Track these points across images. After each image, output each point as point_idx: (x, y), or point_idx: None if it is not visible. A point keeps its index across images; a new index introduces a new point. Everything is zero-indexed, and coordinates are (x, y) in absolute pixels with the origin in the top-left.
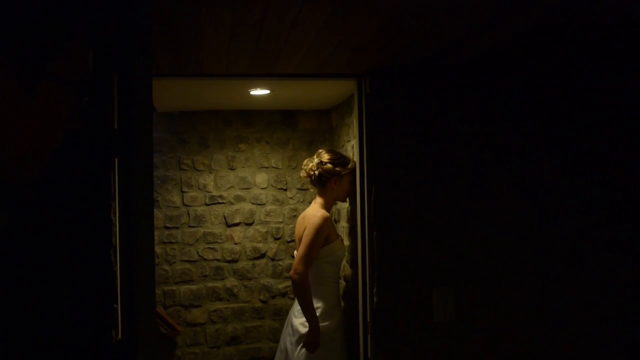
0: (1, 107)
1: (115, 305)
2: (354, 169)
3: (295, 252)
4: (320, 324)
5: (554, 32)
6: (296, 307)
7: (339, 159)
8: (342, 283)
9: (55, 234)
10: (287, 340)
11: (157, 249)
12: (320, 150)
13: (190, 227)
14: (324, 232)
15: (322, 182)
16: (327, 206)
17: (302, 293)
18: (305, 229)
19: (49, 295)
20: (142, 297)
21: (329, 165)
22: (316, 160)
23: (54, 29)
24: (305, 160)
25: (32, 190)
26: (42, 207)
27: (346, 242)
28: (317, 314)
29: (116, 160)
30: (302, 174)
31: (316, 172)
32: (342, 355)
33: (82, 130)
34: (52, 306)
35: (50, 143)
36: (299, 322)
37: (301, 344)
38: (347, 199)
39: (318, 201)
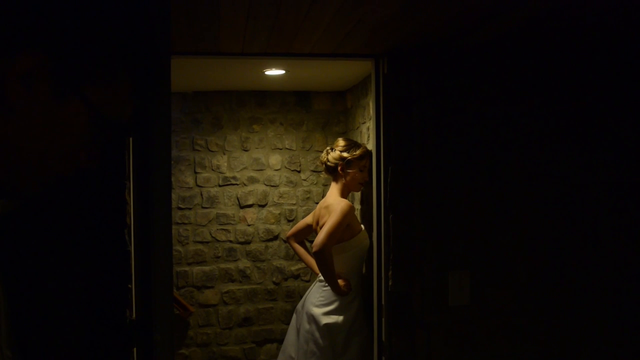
0: (31, 106)
1: (130, 285)
2: (364, 156)
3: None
4: (341, 315)
5: (574, 13)
6: (314, 296)
7: (346, 145)
8: None
9: (68, 212)
10: (301, 326)
11: None
12: (338, 139)
13: (203, 208)
14: (348, 218)
15: (329, 170)
16: (343, 196)
17: (330, 264)
18: (328, 216)
19: (62, 273)
20: (159, 277)
21: (337, 152)
22: (328, 148)
23: (100, 56)
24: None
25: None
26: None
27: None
28: (338, 305)
29: (130, 139)
30: (319, 162)
31: (325, 160)
32: (364, 343)
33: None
34: (65, 284)
35: (67, 161)
36: (320, 312)
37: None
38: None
39: (334, 191)
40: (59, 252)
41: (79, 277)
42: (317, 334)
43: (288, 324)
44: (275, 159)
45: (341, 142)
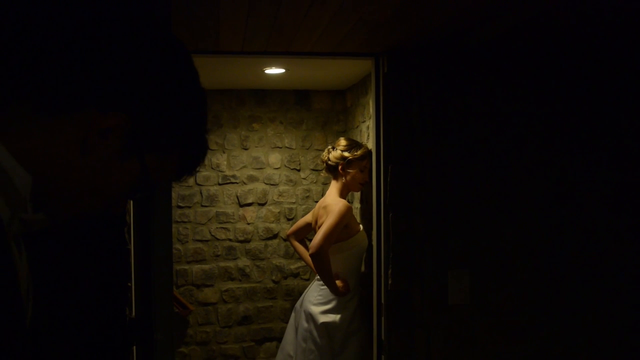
0: (99, 155)
1: (129, 284)
2: (365, 157)
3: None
4: (338, 314)
5: (576, 11)
6: (312, 294)
7: (348, 145)
8: None
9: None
10: (300, 325)
11: None
12: (340, 138)
13: (202, 206)
14: (346, 219)
15: (330, 169)
16: (342, 196)
17: (327, 265)
18: (326, 217)
19: (63, 271)
20: (159, 275)
21: (338, 152)
22: (330, 147)
23: (170, 130)
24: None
25: None
26: None
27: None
28: (336, 304)
29: None
30: (320, 161)
31: (326, 159)
32: (362, 342)
33: None
34: (65, 282)
35: (108, 205)
36: (318, 310)
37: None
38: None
39: (333, 190)
40: (67, 254)
41: (79, 276)
42: (315, 333)
43: (287, 322)
44: (274, 158)
45: (343, 142)
